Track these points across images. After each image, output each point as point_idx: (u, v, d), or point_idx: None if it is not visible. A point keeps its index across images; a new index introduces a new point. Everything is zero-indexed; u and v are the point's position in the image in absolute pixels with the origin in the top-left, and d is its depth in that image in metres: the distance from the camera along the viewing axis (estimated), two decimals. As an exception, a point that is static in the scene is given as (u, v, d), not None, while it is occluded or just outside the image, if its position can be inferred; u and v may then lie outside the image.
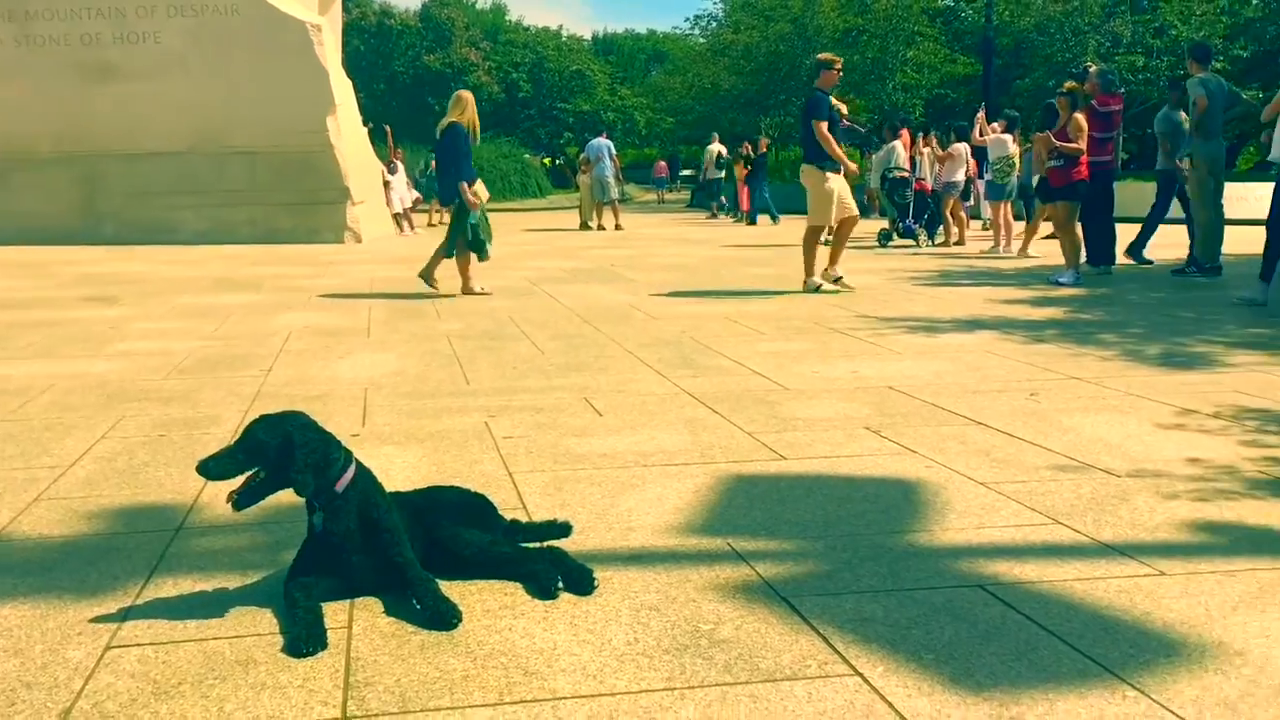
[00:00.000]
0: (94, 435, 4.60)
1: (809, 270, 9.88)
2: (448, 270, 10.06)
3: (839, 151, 9.66)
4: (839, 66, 9.98)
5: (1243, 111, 11.50)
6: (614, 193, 21.77)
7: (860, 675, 2.32)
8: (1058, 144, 10.39)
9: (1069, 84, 11.24)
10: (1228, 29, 30.01)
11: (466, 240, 9.80)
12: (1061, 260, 10.90)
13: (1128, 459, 4.04)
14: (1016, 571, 2.91)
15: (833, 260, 10.01)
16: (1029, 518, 3.36)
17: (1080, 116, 10.57)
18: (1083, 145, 10.52)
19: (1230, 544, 3.11)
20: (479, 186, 9.84)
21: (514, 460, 4.11)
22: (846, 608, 2.68)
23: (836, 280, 9.92)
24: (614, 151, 22.31)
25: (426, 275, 10.02)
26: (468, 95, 10.08)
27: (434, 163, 23.85)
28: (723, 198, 27.98)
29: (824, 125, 9.55)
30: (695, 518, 3.40)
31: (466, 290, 9.91)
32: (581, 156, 23.20)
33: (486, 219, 9.97)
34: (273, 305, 9.38)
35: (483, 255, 9.93)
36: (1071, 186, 10.53)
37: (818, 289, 9.77)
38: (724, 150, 28.34)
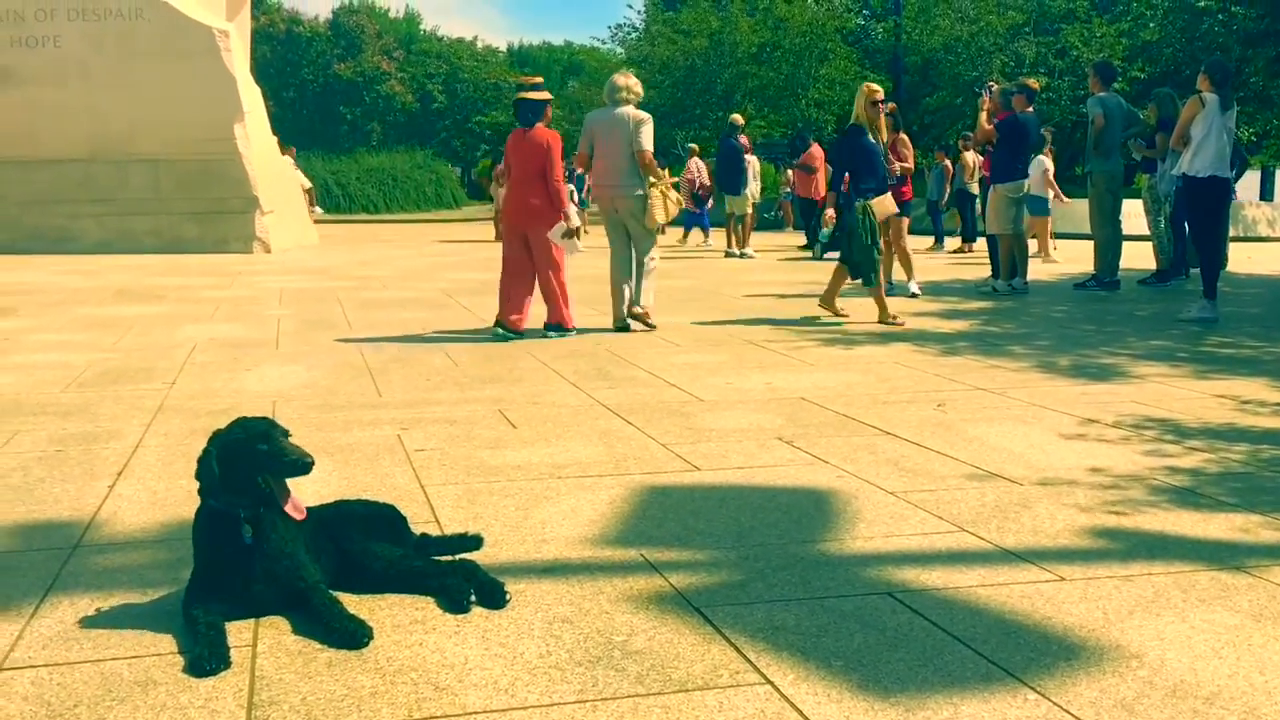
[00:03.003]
0: (-14, 451, 4.44)
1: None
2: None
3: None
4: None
5: (1139, 132, 11.89)
6: None
7: (771, 683, 2.34)
8: (895, 163, 10.53)
9: (890, 105, 11.54)
10: (1126, 50, 31.02)
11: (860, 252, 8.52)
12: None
13: (1031, 468, 4.14)
14: (923, 578, 2.96)
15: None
16: (936, 526, 3.42)
17: (905, 136, 10.90)
18: (911, 164, 10.88)
19: (1128, 550, 3.21)
20: (884, 200, 8.56)
21: (426, 473, 4.07)
22: (758, 617, 2.70)
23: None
24: None
25: (827, 300, 8.90)
26: (865, 88, 8.78)
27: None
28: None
29: None
30: (609, 529, 3.40)
31: (883, 317, 8.57)
32: (498, 168, 23.03)
33: (873, 236, 8.53)
34: (177, 317, 9.16)
35: (859, 276, 8.60)
36: (901, 206, 10.78)
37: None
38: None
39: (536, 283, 7.89)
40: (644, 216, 7.96)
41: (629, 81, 8.21)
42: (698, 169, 19.53)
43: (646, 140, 7.96)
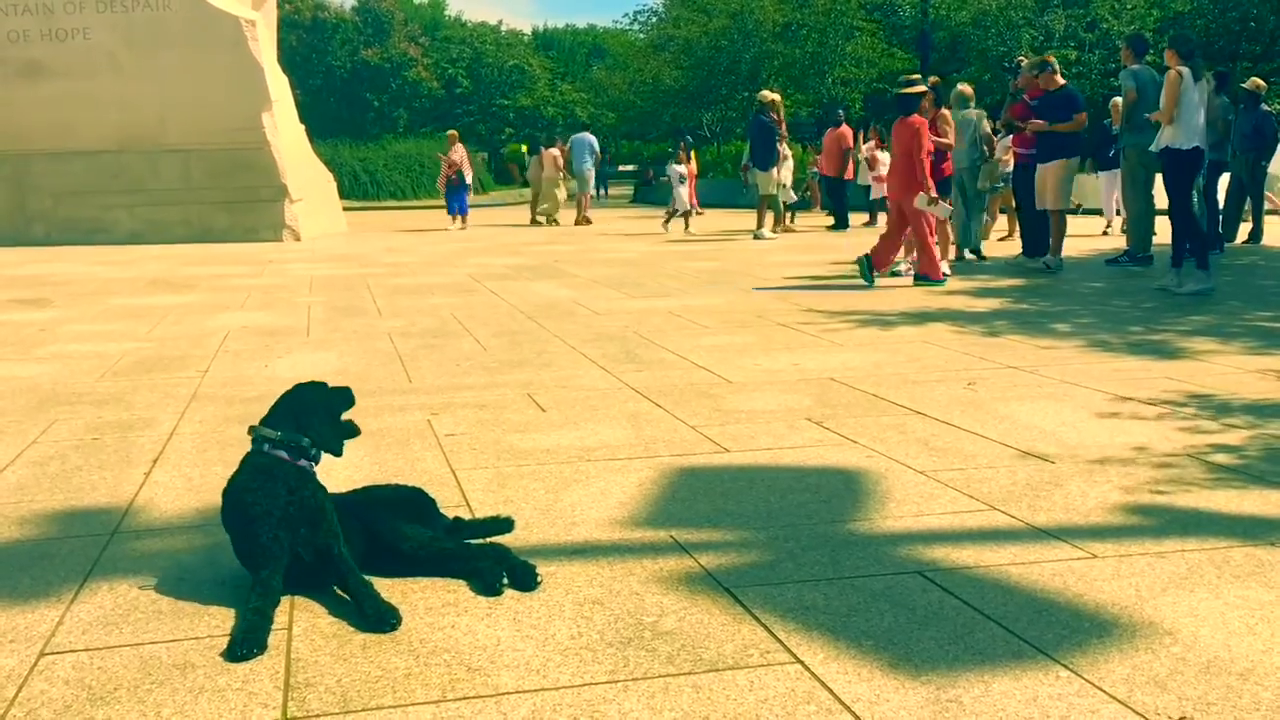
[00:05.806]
0: (25, 439, 4.51)
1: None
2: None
3: None
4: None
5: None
6: (590, 187, 22.33)
7: (801, 663, 2.34)
8: (935, 139, 10.42)
9: (933, 79, 11.75)
10: (1157, 22, 30.59)
11: None
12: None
13: (1062, 445, 4.11)
14: (954, 557, 2.95)
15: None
16: (966, 504, 3.41)
17: (948, 112, 10.98)
18: (952, 140, 11.12)
19: (1161, 526, 3.19)
20: None
21: (457, 457, 4.09)
22: (788, 597, 2.71)
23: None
24: (596, 147, 22.59)
25: None
26: None
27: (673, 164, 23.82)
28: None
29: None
30: (638, 511, 3.41)
31: None
32: (551, 152, 22.85)
33: None
34: (209, 305, 9.25)
35: None
36: (942, 182, 10.71)
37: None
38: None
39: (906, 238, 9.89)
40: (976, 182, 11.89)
41: (965, 89, 12.31)
42: (461, 157, 20.94)
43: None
